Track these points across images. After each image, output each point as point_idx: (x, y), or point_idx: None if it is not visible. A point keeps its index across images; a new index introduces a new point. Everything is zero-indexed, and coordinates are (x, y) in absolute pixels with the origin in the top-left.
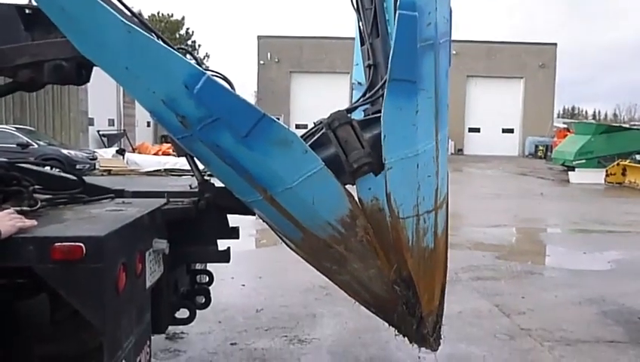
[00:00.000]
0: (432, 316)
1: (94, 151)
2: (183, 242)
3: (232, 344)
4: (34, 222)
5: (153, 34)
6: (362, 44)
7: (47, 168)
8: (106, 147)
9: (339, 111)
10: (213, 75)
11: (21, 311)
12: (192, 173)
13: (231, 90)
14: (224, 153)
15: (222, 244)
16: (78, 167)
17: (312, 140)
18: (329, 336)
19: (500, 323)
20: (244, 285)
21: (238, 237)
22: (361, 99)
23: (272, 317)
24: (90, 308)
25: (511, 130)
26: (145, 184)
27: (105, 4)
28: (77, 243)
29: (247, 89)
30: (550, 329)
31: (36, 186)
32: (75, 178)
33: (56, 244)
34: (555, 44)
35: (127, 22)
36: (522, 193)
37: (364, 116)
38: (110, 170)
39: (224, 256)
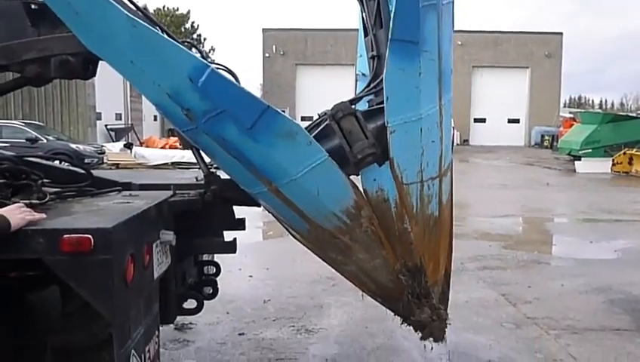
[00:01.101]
0: (438, 287)
1: (102, 146)
2: (190, 234)
3: (240, 334)
4: (43, 215)
5: (158, 28)
6: (366, 35)
7: (56, 162)
8: (113, 141)
9: (342, 102)
10: (217, 68)
11: (33, 303)
12: (198, 166)
13: (235, 82)
14: (229, 145)
15: (228, 236)
16: (86, 161)
17: (316, 132)
18: (336, 326)
19: (507, 312)
20: (251, 276)
21: (244, 229)
22: (365, 90)
23: (280, 307)
24: (99, 299)
25: (517, 121)
26: (152, 177)
27: None
28: (85, 235)
29: (252, 82)
30: (556, 318)
31: (45, 180)
32: (82, 171)
33: (65, 236)
34: (561, 34)
35: (132, 16)
36: (529, 183)
37: (369, 107)
38: (118, 164)
39: (230, 247)
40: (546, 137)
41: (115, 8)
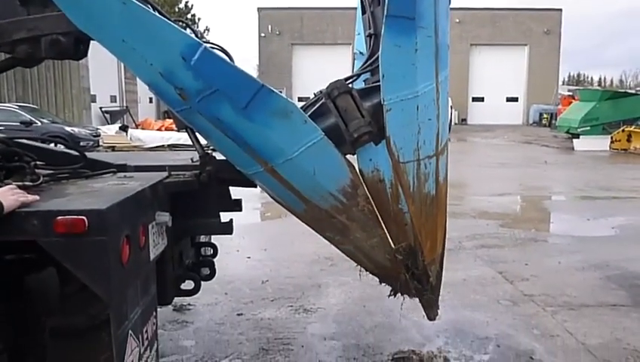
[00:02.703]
0: (435, 265)
1: (97, 128)
2: (186, 215)
3: (238, 314)
4: (36, 197)
5: (149, 5)
6: (363, 12)
7: (51, 145)
8: (109, 124)
9: (338, 80)
10: (212, 48)
11: (31, 285)
12: (194, 148)
13: (228, 61)
14: (224, 125)
15: (225, 217)
16: (81, 144)
17: (312, 110)
18: (334, 305)
19: (504, 290)
20: (249, 257)
21: (240, 210)
22: (361, 68)
23: (278, 288)
24: (95, 281)
25: (515, 99)
26: (147, 158)
27: None
28: (80, 217)
29: (249, 62)
30: (553, 295)
31: (38, 162)
32: (76, 153)
33: (59, 218)
34: (560, 10)
35: None
36: (527, 161)
37: (365, 86)
38: (114, 147)
39: (227, 228)
40: (545, 115)
41: None
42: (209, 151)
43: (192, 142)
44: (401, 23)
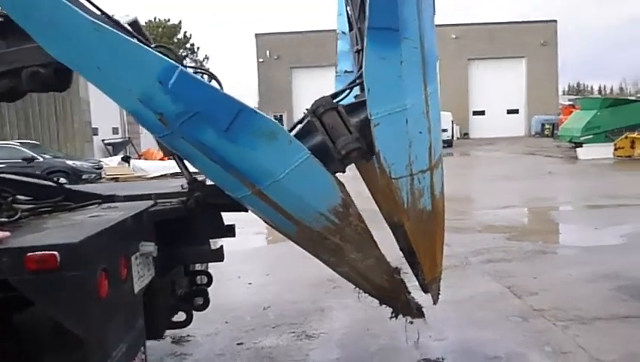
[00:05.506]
0: (436, 283)
1: (100, 161)
2: (174, 243)
3: (238, 344)
4: (7, 233)
5: (125, 32)
6: (351, 29)
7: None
8: (111, 155)
9: (323, 97)
10: (200, 73)
11: (20, 324)
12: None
13: (207, 83)
14: (207, 149)
15: (219, 243)
16: (84, 177)
17: (298, 129)
18: (337, 330)
19: (513, 305)
20: (250, 283)
21: (233, 235)
22: (348, 84)
23: (280, 313)
24: (71, 318)
25: (516, 111)
26: (138, 188)
27: (68, 2)
28: (51, 252)
29: (251, 89)
30: (564, 309)
31: (21, 196)
32: (57, 185)
33: (29, 254)
34: (555, 21)
35: (93, 19)
36: (531, 173)
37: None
38: (117, 178)
39: (217, 256)
40: (547, 126)
41: (73, 11)
42: (197, 177)
43: (180, 168)
44: (385, 35)
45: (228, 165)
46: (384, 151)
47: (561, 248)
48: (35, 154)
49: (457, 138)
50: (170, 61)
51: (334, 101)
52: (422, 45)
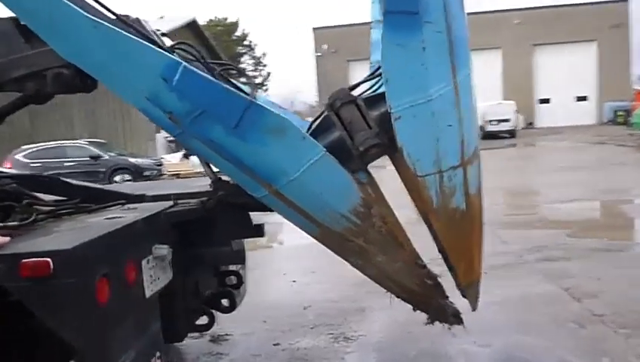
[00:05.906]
0: (474, 288)
1: (161, 158)
2: (194, 244)
3: (275, 344)
4: (6, 239)
5: (131, 28)
6: None
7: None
8: (173, 152)
9: (341, 89)
10: (229, 70)
11: (28, 330)
12: None
13: (213, 79)
14: (219, 147)
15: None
16: (145, 173)
17: (315, 125)
18: (377, 332)
19: (569, 309)
20: (294, 281)
21: (262, 235)
22: (370, 75)
23: (319, 313)
24: (66, 327)
25: (585, 98)
26: (173, 186)
27: (68, 1)
28: (44, 259)
29: (309, 83)
30: (628, 315)
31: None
32: (87, 186)
33: (24, 261)
34: (626, 1)
35: (93, 17)
36: (600, 163)
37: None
38: (178, 174)
39: (237, 257)
40: (620, 113)
41: (73, 10)
42: (221, 177)
43: (203, 166)
44: (403, 19)
45: (240, 163)
46: (407, 147)
47: (629, 246)
48: (101, 153)
49: (521, 128)
50: (173, 57)
51: (351, 93)
52: (449, 28)
